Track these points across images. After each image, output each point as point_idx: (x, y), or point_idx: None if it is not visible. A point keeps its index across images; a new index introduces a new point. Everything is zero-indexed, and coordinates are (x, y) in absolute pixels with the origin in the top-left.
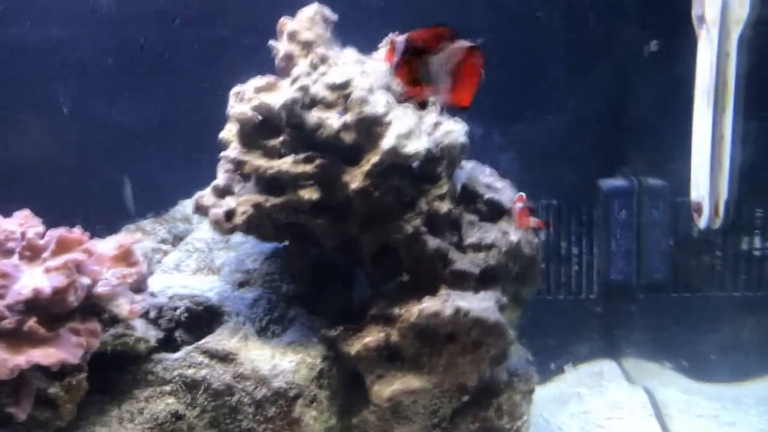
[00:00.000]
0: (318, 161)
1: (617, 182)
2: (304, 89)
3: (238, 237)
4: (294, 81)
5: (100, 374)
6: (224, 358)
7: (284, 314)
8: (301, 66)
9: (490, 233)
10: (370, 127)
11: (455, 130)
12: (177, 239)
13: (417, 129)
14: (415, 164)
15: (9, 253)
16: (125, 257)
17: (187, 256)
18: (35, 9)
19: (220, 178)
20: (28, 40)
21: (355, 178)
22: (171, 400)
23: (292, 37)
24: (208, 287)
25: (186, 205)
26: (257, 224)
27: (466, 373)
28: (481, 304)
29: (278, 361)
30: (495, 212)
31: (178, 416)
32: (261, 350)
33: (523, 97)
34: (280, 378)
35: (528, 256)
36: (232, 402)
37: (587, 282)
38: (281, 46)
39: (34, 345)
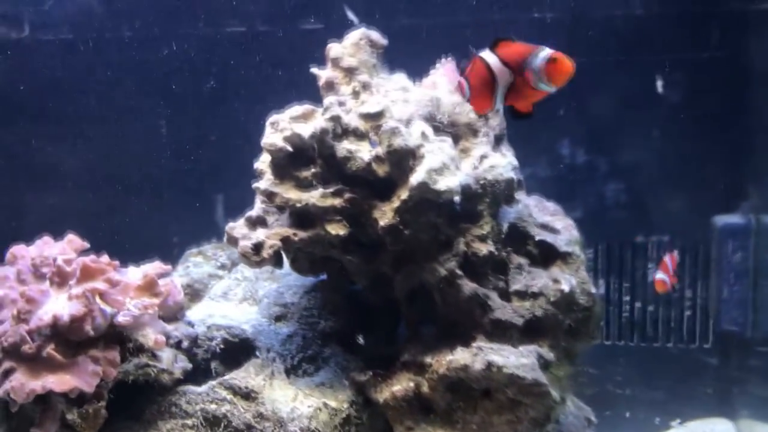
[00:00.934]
0: (347, 195)
1: (733, 219)
2: (335, 119)
3: (284, 268)
4: (326, 110)
5: (129, 401)
6: (247, 395)
7: (319, 352)
8: (338, 94)
9: (538, 280)
10: (401, 161)
11: (500, 165)
12: (234, 265)
13: (452, 163)
14: (457, 200)
15: (42, 278)
16: (149, 287)
17: (236, 285)
18: None
19: (255, 209)
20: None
21: (384, 215)
22: None
23: (335, 63)
24: (246, 319)
25: None
26: (294, 257)
27: None
28: (518, 359)
29: (298, 404)
30: (547, 256)
31: None
32: (285, 390)
33: (632, 122)
34: (296, 423)
35: (583, 307)
36: None
37: (701, 329)
38: (323, 73)
39: (51, 371)
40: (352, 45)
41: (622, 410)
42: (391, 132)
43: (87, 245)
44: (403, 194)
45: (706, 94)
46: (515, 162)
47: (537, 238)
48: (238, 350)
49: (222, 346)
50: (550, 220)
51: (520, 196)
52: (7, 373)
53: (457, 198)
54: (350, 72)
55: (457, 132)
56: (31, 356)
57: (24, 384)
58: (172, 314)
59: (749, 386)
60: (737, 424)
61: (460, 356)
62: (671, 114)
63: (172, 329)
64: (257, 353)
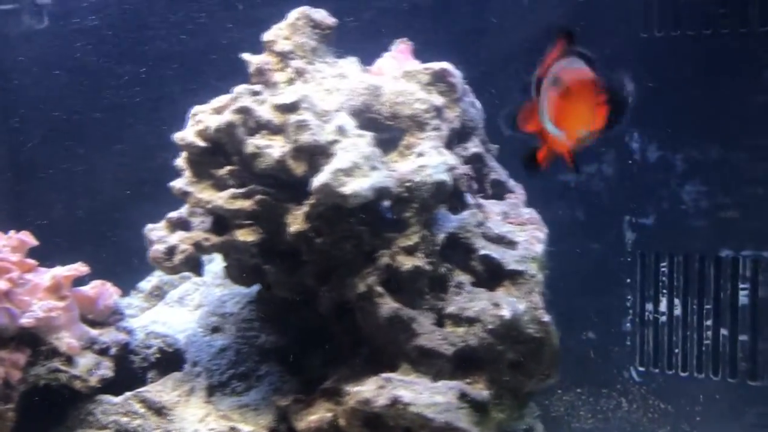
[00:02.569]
0: (258, 197)
1: None
2: (243, 111)
3: None
4: (234, 101)
5: (55, 406)
6: (159, 411)
7: (253, 369)
8: (269, 81)
9: (476, 303)
10: (312, 159)
11: (431, 165)
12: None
13: (366, 163)
14: (386, 205)
15: None
16: (56, 290)
17: (194, 290)
18: None
19: (181, 211)
20: None
21: (295, 220)
22: None
23: (269, 47)
24: (183, 328)
25: None
26: (227, 264)
27: None
28: (432, 397)
29: (202, 426)
30: (494, 275)
31: None
32: (199, 409)
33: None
34: None
35: (532, 338)
36: None
37: None
38: (255, 59)
39: None
40: (289, 26)
41: None
42: (297, 126)
43: (32, 243)
44: (312, 199)
45: None
46: (452, 161)
47: (481, 252)
48: (172, 361)
49: (158, 356)
50: (511, 230)
51: (473, 200)
52: None
53: (386, 203)
54: (284, 57)
55: (399, 125)
56: None
57: None
58: (103, 318)
59: None
60: None
61: (365, 388)
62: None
63: (98, 334)
64: (184, 366)
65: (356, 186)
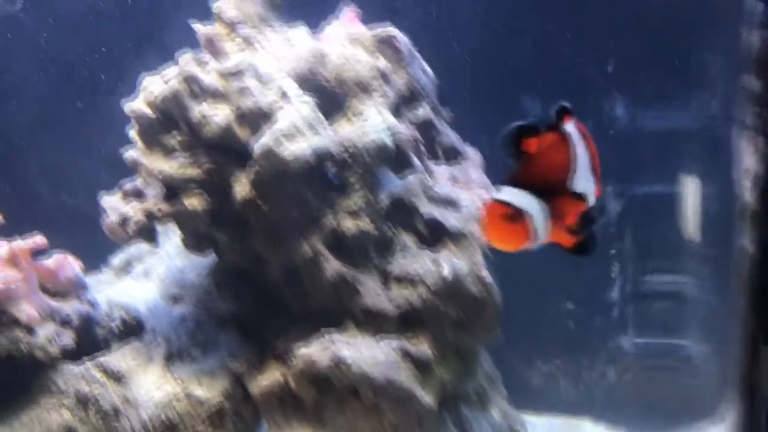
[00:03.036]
0: (206, 165)
1: None
2: (188, 79)
3: None
4: (179, 68)
5: (20, 376)
6: (118, 378)
7: (212, 338)
8: (219, 51)
9: (419, 264)
10: (256, 124)
11: (371, 128)
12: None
13: (306, 126)
14: (330, 169)
15: None
16: (13, 261)
17: (160, 263)
18: None
19: (136, 181)
20: None
21: (243, 187)
22: (66, 414)
23: (218, 16)
24: (144, 299)
25: None
26: (183, 232)
27: None
28: (374, 356)
29: (156, 391)
30: (437, 236)
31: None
32: (156, 375)
33: None
34: (148, 410)
35: (473, 297)
36: (119, 427)
37: None
38: (205, 29)
39: None
40: None
41: None
42: (239, 92)
43: None
44: (256, 165)
45: None
46: (394, 124)
47: (425, 214)
48: (133, 331)
49: (121, 327)
50: (457, 193)
51: (420, 163)
52: None
53: (331, 168)
54: (233, 26)
55: (345, 91)
56: None
57: None
58: (65, 290)
59: None
60: None
61: (310, 350)
62: None
63: (59, 305)
64: (144, 334)
65: (297, 149)
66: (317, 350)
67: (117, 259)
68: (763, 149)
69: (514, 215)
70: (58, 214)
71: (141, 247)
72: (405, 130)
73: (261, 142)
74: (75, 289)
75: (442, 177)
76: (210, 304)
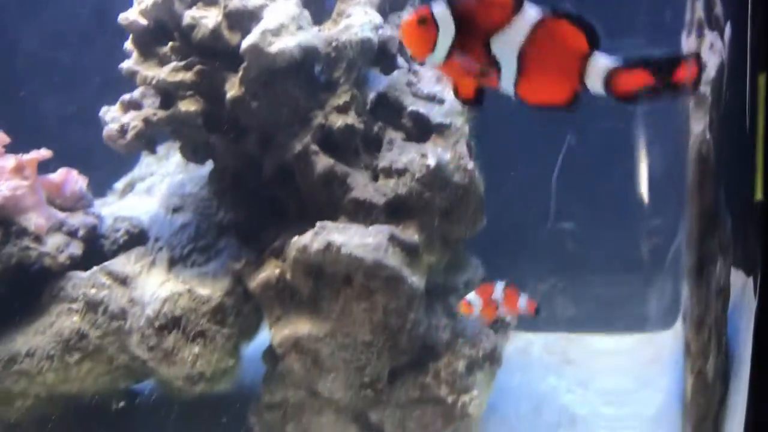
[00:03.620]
0: (197, 68)
1: None
2: None
3: None
4: None
5: (29, 288)
6: (123, 281)
7: (212, 244)
8: None
9: (405, 155)
10: (243, 25)
11: (356, 24)
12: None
13: (293, 23)
14: (317, 69)
15: None
16: (20, 171)
17: (160, 180)
18: None
19: (135, 92)
20: None
21: (233, 87)
22: (76, 318)
23: None
24: (147, 210)
25: None
26: (181, 143)
27: (358, 323)
28: (363, 239)
29: (161, 289)
30: (422, 129)
31: (82, 335)
32: (160, 277)
33: None
34: (152, 306)
35: (458, 186)
36: (126, 327)
37: None
38: None
39: None
40: None
41: None
42: None
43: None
44: (244, 62)
45: None
46: (377, 20)
47: (410, 108)
48: (137, 241)
49: (125, 238)
50: (441, 89)
51: (405, 63)
52: None
53: (318, 67)
54: None
55: None
56: None
57: None
58: (71, 203)
59: None
60: None
61: (303, 238)
62: None
63: (66, 217)
64: (148, 242)
65: (283, 44)
66: (309, 237)
67: (120, 183)
68: None
69: (426, 21)
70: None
71: (143, 169)
72: (389, 30)
73: (248, 39)
74: (80, 202)
75: (426, 76)
76: (209, 213)
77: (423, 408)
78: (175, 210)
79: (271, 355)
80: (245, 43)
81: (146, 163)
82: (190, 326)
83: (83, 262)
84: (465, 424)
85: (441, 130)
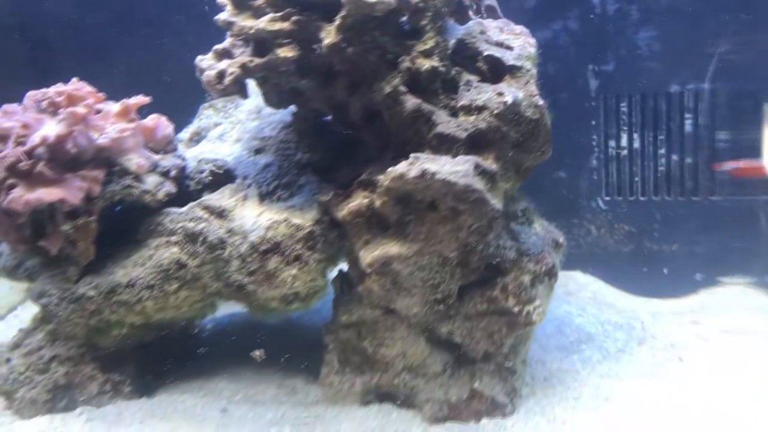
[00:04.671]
0: (294, 18)
1: None
2: None
3: (269, 108)
4: None
5: (130, 225)
6: (220, 214)
7: (294, 180)
8: None
9: (483, 94)
10: None
11: None
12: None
13: None
14: (404, 18)
15: (42, 111)
16: (125, 114)
17: (231, 128)
18: None
19: (224, 43)
20: None
21: (329, 34)
22: (175, 249)
23: None
24: (230, 152)
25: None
26: (264, 89)
27: (444, 242)
28: (453, 167)
29: (260, 219)
30: (496, 72)
31: (181, 264)
32: (254, 209)
33: None
34: (255, 233)
35: (529, 119)
36: (225, 255)
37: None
38: None
39: (44, 185)
40: None
41: (659, 266)
42: None
43: (92, 90)
44: (343, 11)
45: None
46: None
47: (485, 53)
48: (223, 180)
49: (210, 178)
50: (508, 38)
51: (486, 14)
52: (10, 188)
53: (404, 18)
54: None
55: None
56: (27, 173)
57: (21, 196)
58: (161, 147)
59: None
60: None
61: (398, 167)
62: None
63: (159, 159)
64: (236, 180)
65: None
66: (405, 166)
67: (185, 134)
68: None
69: None
70: None
71: (203, 121)
72: None
73: None
74: (169, 146)
75: (492, 27)
76: (289, 153)
77: (489, 318)
78: (257, 151)
79: (346, 280)
80: None
81: (206, 115)
82: (288, 251)
83: (175, 199)
84: (525, 331)
85: (514, 71)
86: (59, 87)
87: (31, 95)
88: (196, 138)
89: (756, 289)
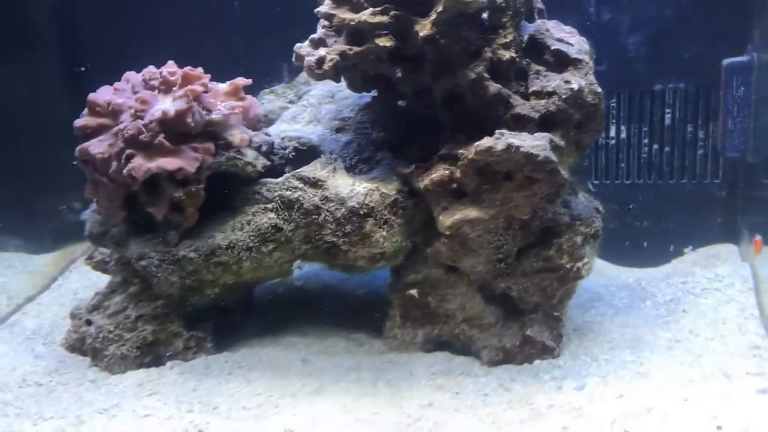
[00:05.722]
0: (393, 12)
1: (737, 59)
2: None
3: (342, 92)
4: None
5: (222, 194)
6: (314, 183)
7: (372, 156)
8: None
9: (552, 82)
10: None
11: None
12: (300, 99)
13: None
14: (484, 16)
15: (151, 88)
16: (235, 93)
17: (302, 110)
18: None
19: (318, 33)
20: None
21: (424, 27)
22: (272, 215)
23: None
24: (311, 131)
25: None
26: (348, 74)
27: (519, 207)
28: (533, 142)
29: (356, 187)
30: (561, 63)
31: (277, 228)
32: (345, 180)
33: None
34: (354, 199)
35: (590, 104)
36: (319, 220)
37: (712, 166)
38: None
39: (162, 155)
40: None
41: (641, 240)
42: None
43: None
44: (439, 7)
45: None
46: None
47: (553, 47)
48: (306, 155)
49: (293, 153)
50: (565, 36)
51: (538, 16)
52: (129, 157)
53: (484, 14)
54: None
55: None
56: (146, 144)
57: (141, 164)
58: (252, 125)
59: (752, 215)
60: (740, 248)
61: (485, 141)
62: None
63: (253, 135)
64: (322, 155)
65: None
66: (492, 141)
67: None
68: None
69: None
70: None
71: (266, 105)
72: None
73: None
74: (259, 124)
75: (550, 26)
76: (366, 132)
77: (543, 275)
78: (338, 130)
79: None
80: None
81: (267, 99)
82: (379, 216)
83: (266, 172)
84: (573, 286)
85: (576, 63)
86: (170, 67)
87: (131, 75)
88: (264, 120)
89: (713, 254)
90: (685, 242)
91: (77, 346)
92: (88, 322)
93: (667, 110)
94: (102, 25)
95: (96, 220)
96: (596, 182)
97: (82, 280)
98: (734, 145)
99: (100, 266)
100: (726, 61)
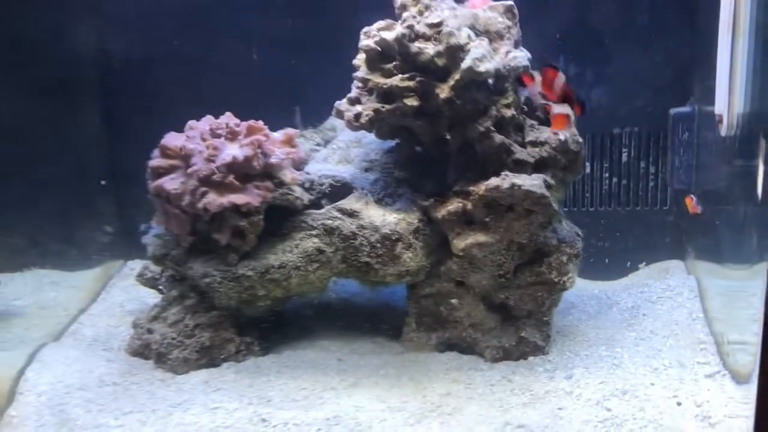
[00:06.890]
0: (418, 79)
1: (681, 109)
2: (410, 27)
3: (367, 138)
4: (403, 21)
5: (274, 223)
6: (351, 214)
7: (395, 191)
8: (409, 11)
9: (543, 133)
10: (455, 53)
11: (519, 56)
12: (326, 142)
13: (489, 54)
14: (490, 81)
15: (218, 136)
16: (289, 141)
17: (332, 153)
18: None
19: (353, 92)
20: None
21: (443, 91)
22: (316, 240)
23: None
24: (344, 170)
25: (332, 120)
26: (378, 125)
27: (519, 233)
28: (532, 181)
29: (386, 217)
30: (548, 120)
31: (320, 251)
32: (376, 210)
33: (611, 46)
34: (387, 227)
35: (573, 151)
36: (356, 243)
37: (662, 196)
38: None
39: (232, 192)
40: None
41: (603, 258)
42: (449, 34)
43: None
44: (456, 75)
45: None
46: (529, 55)
47: (541, 107)
48: (340, 191)
49: (329, 189)
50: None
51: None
52: (203, 194)
53: (491, 80)
54: None
55: (489, 37)
56: (218, 183)
57: (215, 199)
58: (297, 166)
59: (695, 235)
60: (686, 263)
61: (493, 181)
62: (640, 35)
63: (298, 174)
64: (355, 191)
65: (486, 66)
66: (498, 180)
67: None
68: None
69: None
70: None
71: (303, 146)
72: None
73: (465, 62)
74: (302, 164)
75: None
76: (390, 171)
77: (535, 287)
78: (367, 170)
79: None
80: (464, 65)
81: (299, 142)
82: (406, 240)
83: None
84: (559, 295)
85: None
86: (231, 119)
87: (198, 125)
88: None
89: (663, 269)
90: (640, 259)
91: (140, 351)
92: (150, 331)
93: (624, 150)
94: (131, 75)
95: (158, 243)
96: (565, 209)
97: (123, 294)
98: (680, 179)
99: (150, 282)
100: (672, 111)
